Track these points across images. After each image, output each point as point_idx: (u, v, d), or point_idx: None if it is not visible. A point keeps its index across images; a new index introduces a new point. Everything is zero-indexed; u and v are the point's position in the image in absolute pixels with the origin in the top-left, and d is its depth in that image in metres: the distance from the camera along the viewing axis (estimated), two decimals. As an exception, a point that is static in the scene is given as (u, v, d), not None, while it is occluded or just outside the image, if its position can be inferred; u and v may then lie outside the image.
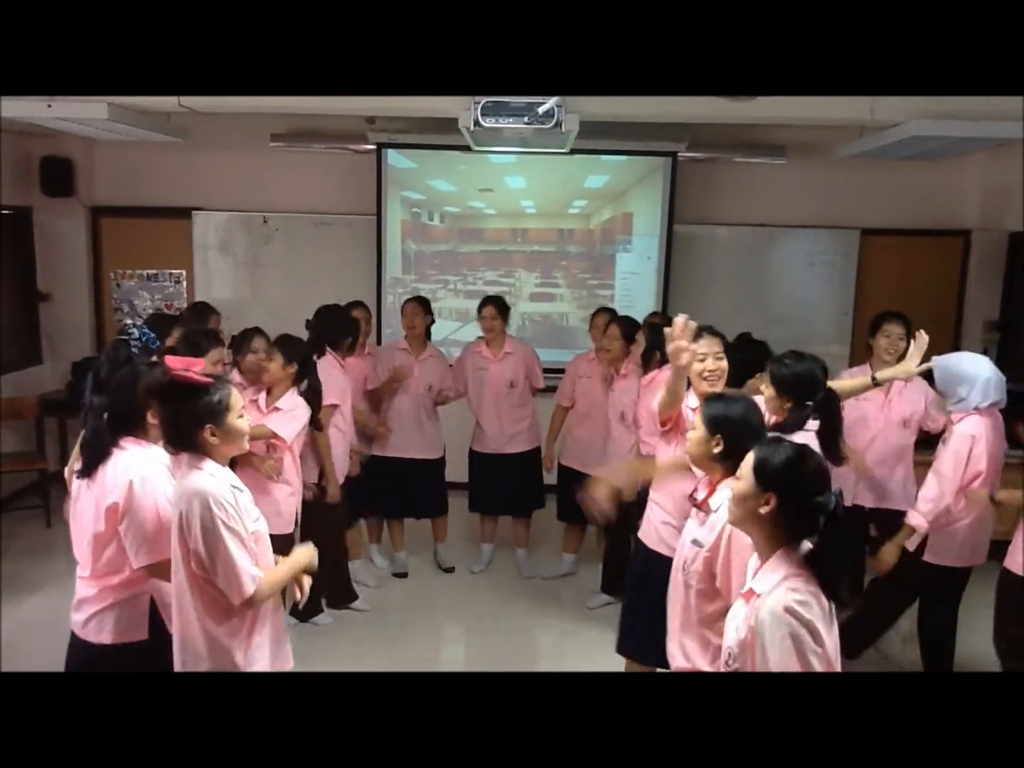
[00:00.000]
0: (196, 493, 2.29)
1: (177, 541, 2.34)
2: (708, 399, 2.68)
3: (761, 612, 1.94)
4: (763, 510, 2.01)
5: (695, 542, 2.58)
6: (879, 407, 4.18)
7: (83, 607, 2.67)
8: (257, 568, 2.37)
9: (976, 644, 3.75)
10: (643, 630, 3.19)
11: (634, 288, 6.64)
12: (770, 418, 3.14)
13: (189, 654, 2.39)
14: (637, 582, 3.36)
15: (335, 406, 4.47)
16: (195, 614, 2.36)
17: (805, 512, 1.99)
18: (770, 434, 2.58)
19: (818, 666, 1.91)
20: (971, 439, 3.51)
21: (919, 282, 6.55)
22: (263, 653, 2.44)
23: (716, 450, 2.54)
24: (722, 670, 2.13)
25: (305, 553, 2.57)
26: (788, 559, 2.00)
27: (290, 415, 4.04)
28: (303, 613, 4.42)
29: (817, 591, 1.96)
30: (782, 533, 2.02)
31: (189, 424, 2.33)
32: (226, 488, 2.34)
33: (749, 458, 2.09)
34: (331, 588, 4.65)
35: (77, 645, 2.70)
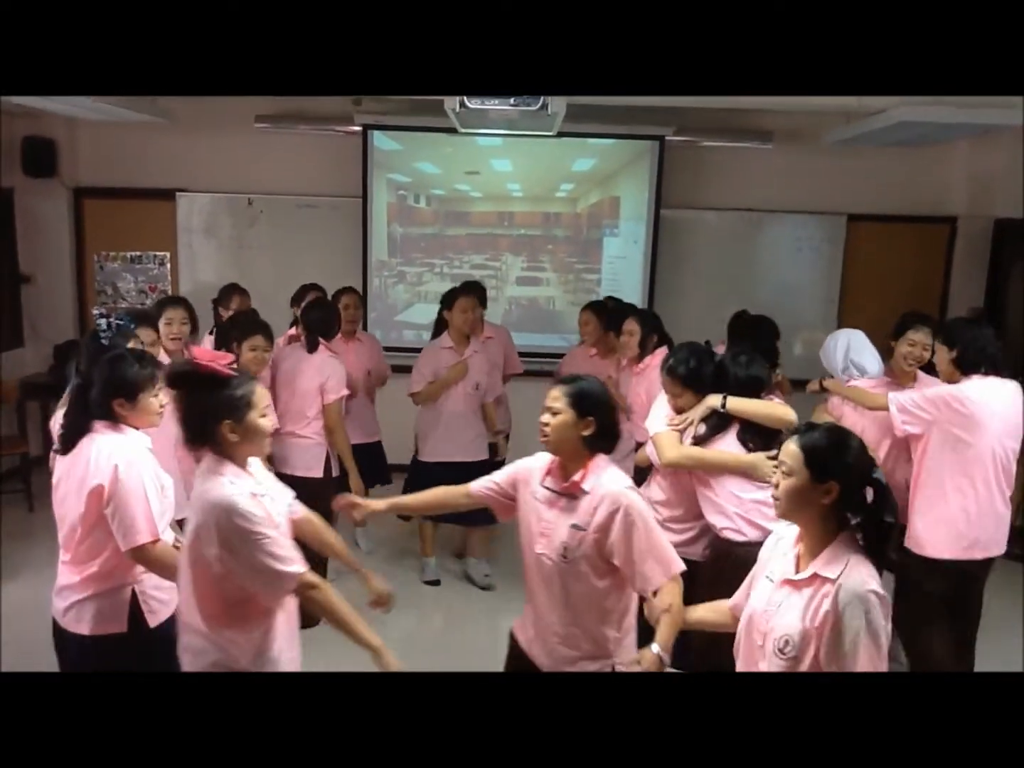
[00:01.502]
0: (216, 504, 2.17)
1: (191, 548, 2.24)
2: (565, 381, 2.58)
3: (843, 595, 1.93)
4: (825, 500, 2.01)
5: (575, 527, 2.47)
6: None
7: (64, 594, 2.64)
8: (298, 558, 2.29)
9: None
10: None
11: (621, 272, 6.63)
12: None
13: (197, 652, 2.31)
14: None
15: (344, 396, 4.50)
16: (203, 617, 2.26)
17: (863, 492, 2.01)
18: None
19: (884, 647, 1.92)
20: (836, 417, 3.68)
21: (905, 268, 6.57)
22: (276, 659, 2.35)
23: (587, 432, 2.49)
24: (775, 661, 2.04)
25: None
26: (850, 542, 2.01)
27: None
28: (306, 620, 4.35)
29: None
30: (842, 517, 2.03)
31: (207, 418, 2.23)
32: (246, 498, 2.21)
33: (794, 451, 2.05)
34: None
35: (59, 633, 2.67)
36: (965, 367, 3.41)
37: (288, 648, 2.37)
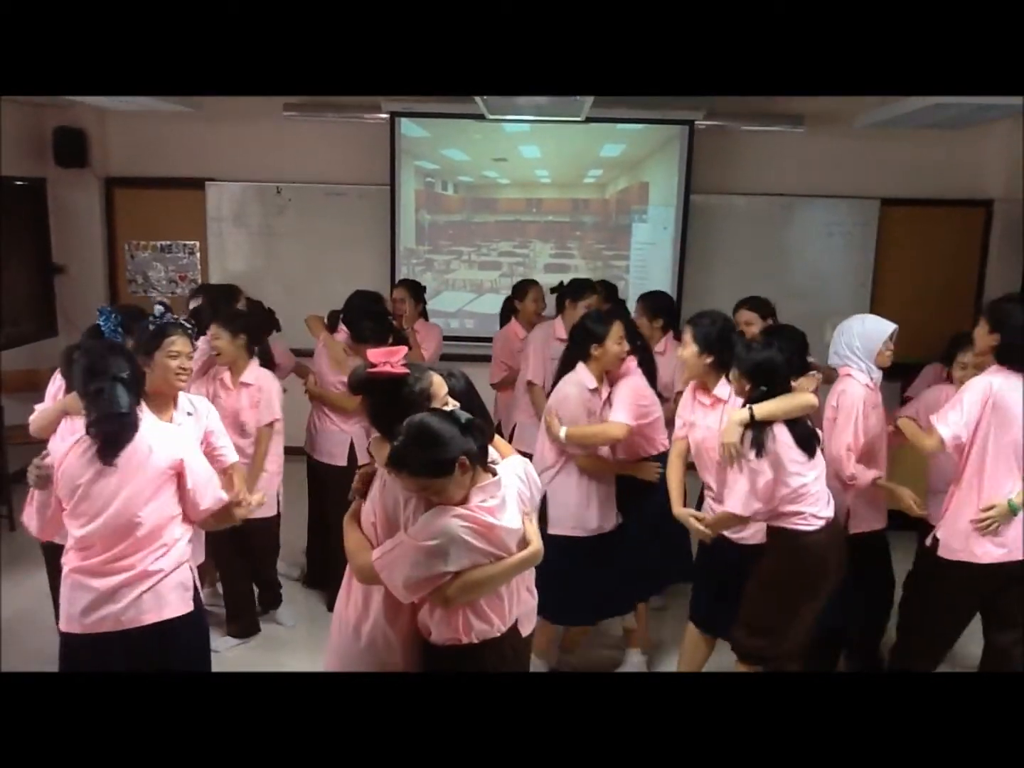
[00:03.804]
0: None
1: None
2: None
3: None
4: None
5: None
6: None
7: (121, 592, 2.57)
8: None
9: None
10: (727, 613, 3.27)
11: (650, 259, 6.58)
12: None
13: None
14: (725, 568, 3.38)
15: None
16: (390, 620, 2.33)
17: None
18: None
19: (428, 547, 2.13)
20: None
21: (939, 253, 6.47)
22: None
23: None
24: None
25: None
26: None
27: (263, 388, 4.08)
28: (243, 630, 4.25)
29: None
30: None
31: (393, 417, 2.27)
32: None
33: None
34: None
35: (103, 641, 2.58)
36: (1007, 359, 3.19)
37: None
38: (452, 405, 2.33)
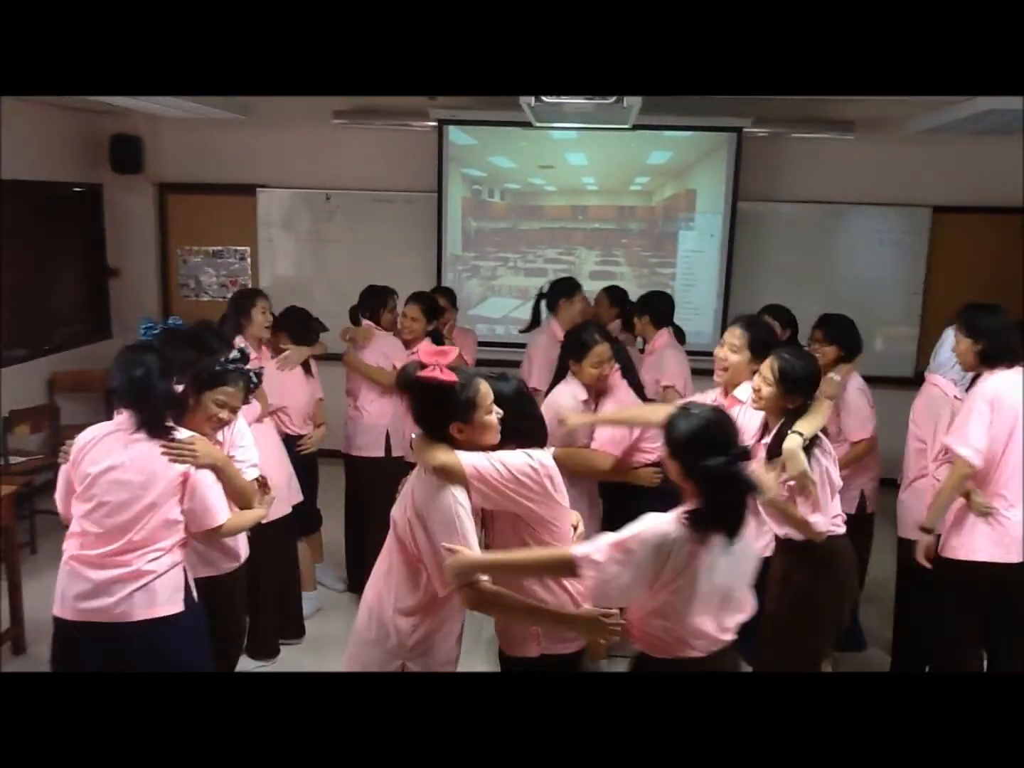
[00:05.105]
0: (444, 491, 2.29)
1: (401, 535, 2.38)
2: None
3: None
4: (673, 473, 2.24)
5: None
6: None
7: (112, 589, 2.63)
8: None
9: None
10: None
11: (696, 267, 6.55)
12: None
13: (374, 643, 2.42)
14: None
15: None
16: (393, 608, 2.41)
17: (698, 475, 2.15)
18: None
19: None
20: None
21: (993, 262, 6.33)
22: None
23: None
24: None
25: None
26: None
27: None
28: (260, 653, 4.02)
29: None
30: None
31: (437, 421, 2.33)
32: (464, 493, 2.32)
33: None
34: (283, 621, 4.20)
35: (92, 630, 2.66)
36: (993, 361, 3.31)
37: (452, 645, 2.48)
38: (497, 412, 2.34)
